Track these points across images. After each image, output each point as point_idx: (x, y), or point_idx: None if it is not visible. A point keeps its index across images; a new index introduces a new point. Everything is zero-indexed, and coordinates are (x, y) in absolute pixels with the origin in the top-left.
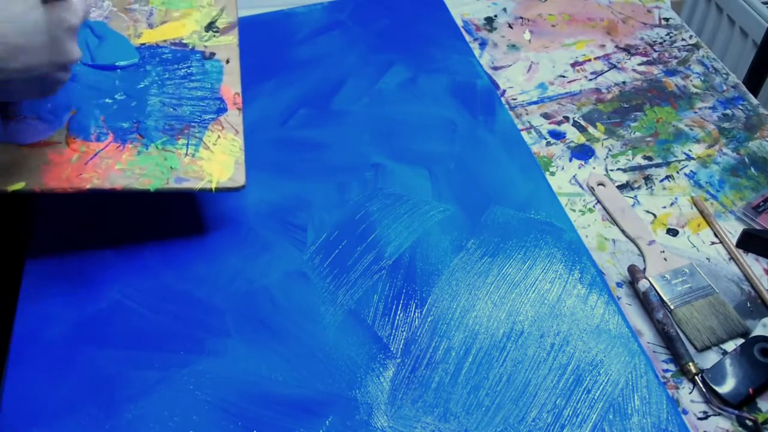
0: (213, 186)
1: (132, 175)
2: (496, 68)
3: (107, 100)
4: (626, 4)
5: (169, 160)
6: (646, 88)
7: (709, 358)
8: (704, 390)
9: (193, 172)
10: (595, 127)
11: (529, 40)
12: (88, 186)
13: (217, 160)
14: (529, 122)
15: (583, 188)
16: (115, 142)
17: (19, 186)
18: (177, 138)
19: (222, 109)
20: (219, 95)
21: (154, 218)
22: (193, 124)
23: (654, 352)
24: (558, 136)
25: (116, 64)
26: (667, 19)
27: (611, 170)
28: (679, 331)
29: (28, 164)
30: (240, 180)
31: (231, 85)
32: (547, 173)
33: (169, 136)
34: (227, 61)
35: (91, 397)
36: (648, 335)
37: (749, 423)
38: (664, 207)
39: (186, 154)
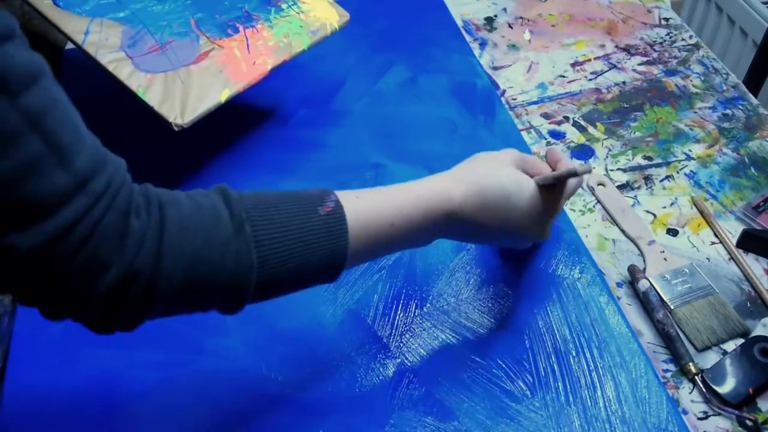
0: (337, 26)
1: (284, 45)
2: (496, 68)
3: (205, 4)
4: (626, 4)
5: (293, 23)
6: (646, 88)
7: (709, 358)
8: (704, 390)
9: (314, 22)
10: (595, 127)
11: (529, 40)
12: (269, 67)
13: (318, 8)
14: (529, 122)
15: (583, 188)
16: (247, 28)
17: (226, 94)
18: (279, 5)
19: None
20: None
21: None
22: None
23: (654, 352)
24: (558, 136)
25: None
26: (667, 19)
27: (611, 170)
28: (679, 331)
29: (211, 74)
30: (345, 14)
31: None
32: None
33: (273, 7)
34: None
35: (91, 397)
36: (648, 335)
37: (749, 423)
38: (664, 207)
39: (297, 14)
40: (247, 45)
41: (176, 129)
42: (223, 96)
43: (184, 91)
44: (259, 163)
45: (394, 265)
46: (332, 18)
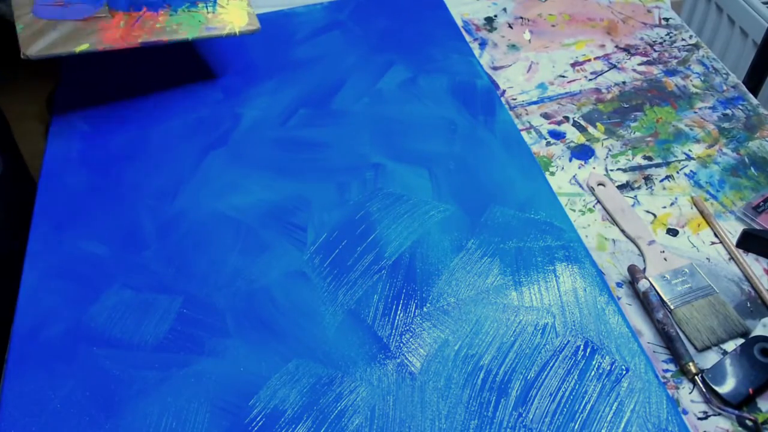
0: (237, 31)
1: (171, 29)
2: (496, 68)
3: None
4: (626, 4)
5: (196, 16)
6: (646, 88)
7: (709, 358)
8: (704, 390)
9: (218, 22)
10: (595, 127)
11: (529, 40)
12: (140, 41)
13: (232, 13)
14: (529, 122)
15: (583, 188)
16: (150, 11)
17: (84, 47)
18: (197, 3)
19: None
20: None
21: (152, 214)
22: None
23: (654, 352)
24: (558, 136)
25: None
26: (667, 19)
27: (611, 170)
28: (679, 331)
29: (86, 32)
30: (255, 23)
31: None
32: (547, 173)
33: (190, 2)
34: None
35: (91, 397)
36: (648, 335)
37: (749, 423)
38: (664, 207)
39: (208, 12)
40: (136, 21)
41: (23, 57)
42: (79, 48)
43: (53, 36)
44: (259, 163)
45: (394, 265)
46: (240, 23)
